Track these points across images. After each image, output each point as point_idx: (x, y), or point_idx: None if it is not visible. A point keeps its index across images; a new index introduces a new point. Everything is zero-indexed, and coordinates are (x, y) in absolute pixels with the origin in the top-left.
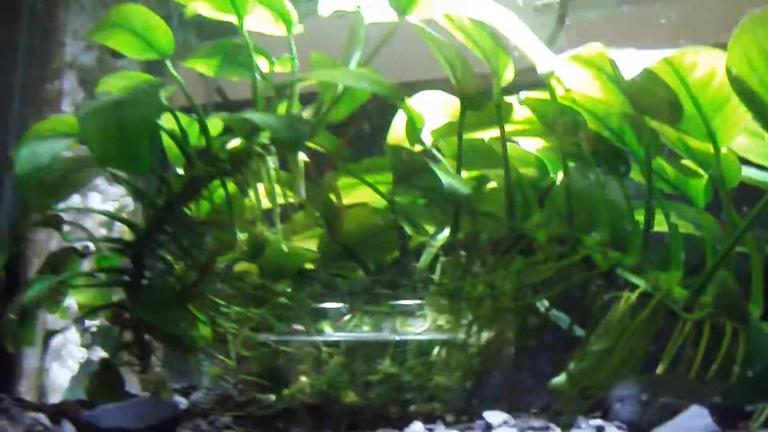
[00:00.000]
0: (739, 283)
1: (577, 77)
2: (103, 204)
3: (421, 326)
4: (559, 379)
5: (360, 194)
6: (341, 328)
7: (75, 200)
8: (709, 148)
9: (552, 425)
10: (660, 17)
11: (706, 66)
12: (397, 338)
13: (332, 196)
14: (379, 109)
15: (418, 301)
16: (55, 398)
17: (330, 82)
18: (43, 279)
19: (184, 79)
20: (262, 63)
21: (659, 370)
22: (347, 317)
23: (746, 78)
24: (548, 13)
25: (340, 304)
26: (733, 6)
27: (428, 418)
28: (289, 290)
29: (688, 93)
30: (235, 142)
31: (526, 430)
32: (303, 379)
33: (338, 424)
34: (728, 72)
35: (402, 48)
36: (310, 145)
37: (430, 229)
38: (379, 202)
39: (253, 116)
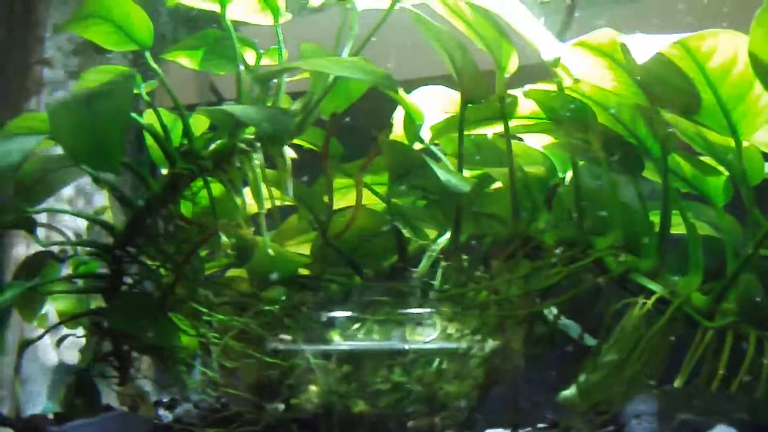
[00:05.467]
0: (765, 287)
1: (586, 66)
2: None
3: (423, 336)
4: (570, 392)
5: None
6: (333, 337)
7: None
8: (730, 141)
9: None
10: (677, 8)
11: (726, 51)
12: (396, 348)
13: (325, 198)
14: (380, 106)
15: (420, 310)
16: (34, 408)
17: (319, 72)
18: (15, 285)
19: (178, 77)
20: (249, 56)
21: (677, 383)
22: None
23: None
24: (554, 8)
25: (332, 313)
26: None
27: None
28: (277, 297)
29: (706, 81)
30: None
31: None
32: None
33: None
34: (751, 56)
35: (403, 43)
36: (302, 143)
37: (432, 233)
38: (377, 204)
39: (233, 109)
